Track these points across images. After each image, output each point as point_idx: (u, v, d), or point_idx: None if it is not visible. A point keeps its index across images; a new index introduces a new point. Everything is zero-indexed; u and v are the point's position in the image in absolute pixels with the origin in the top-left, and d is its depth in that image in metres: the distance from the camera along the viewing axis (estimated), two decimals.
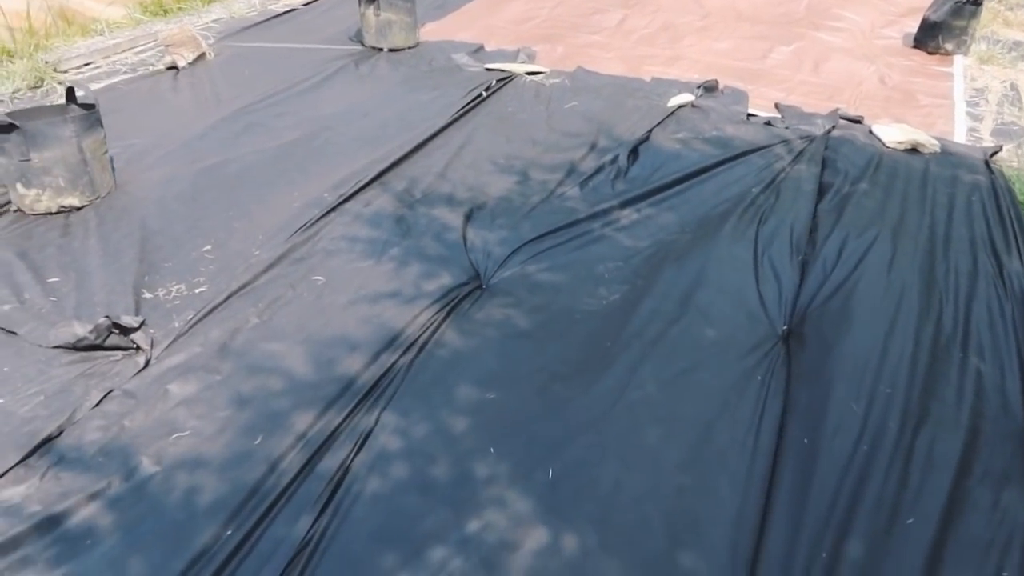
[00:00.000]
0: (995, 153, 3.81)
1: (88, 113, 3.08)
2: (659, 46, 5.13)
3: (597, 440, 2.00)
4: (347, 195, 3.14)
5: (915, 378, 2.24)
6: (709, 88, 4.39)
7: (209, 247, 2.85)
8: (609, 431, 2.03)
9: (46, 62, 4.47)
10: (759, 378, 2.28)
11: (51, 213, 3.06)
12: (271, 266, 2.72)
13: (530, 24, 5.50)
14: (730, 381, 2.25)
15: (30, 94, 4.18)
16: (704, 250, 2.83)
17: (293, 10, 5.65)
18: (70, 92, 3.13)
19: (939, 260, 2.82)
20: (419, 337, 2.39)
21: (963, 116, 4.35)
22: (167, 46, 4.57)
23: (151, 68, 4.58)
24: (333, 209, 3.05)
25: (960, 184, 3.44)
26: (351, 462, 1.94)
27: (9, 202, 3.09)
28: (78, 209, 3.08)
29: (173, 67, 4.57)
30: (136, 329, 2.36)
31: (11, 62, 4.42)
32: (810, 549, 1.75)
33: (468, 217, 3.04)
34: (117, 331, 2.35)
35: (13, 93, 4.15)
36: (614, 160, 3.52)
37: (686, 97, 4.27)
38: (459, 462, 1.93)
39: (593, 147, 3.69)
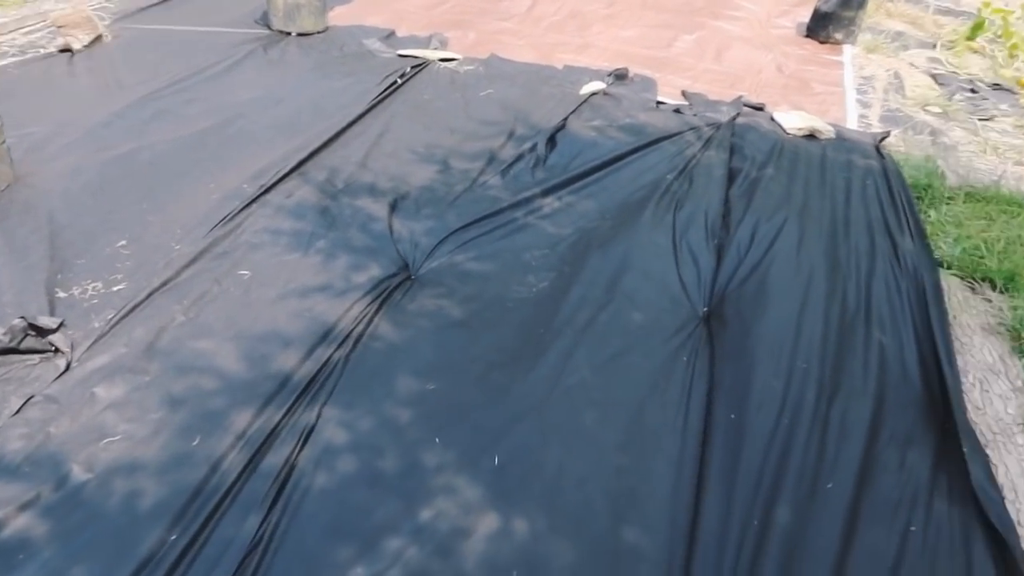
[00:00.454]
0: (884, 138, 4.08)
1: None
2: (568, 34, 5.22)
3: (538, 425, 2.06)
4: (267, 186, 3.07)
5: (826, 353, 2.41)
6: (620, 76, 4.50)
7: (124, 242, 2.74)
8: (549, 416, 2.10)
9: None
10: (684, 359, 2.39)
11: None
12: (193, 261, 2.64)
13: (440, 9, 5.47)
14: (658, 363, 2.35)
15: None
16: (626, 237, 2.93)
17: None
18: None
19: (841, 241, 3.01)
20: (353, 330, 2.38)
21: (853, 103, 4.63)
22: (59, 27, 4.32)
23: (42, 51, 4.32)
24: (254, 201, 2.98)
25: (855, 168, 3.67)
26: (296, 458, 1.93)
27: None
28: None
29: (66, 50, 4.33)
30: (54, 330, 2.26)
31: None
32: (742, 518, 1.86)
33: (393, 207, 3.03)
34: (33, 333, 2.24)
35: None
36: (533, 148, 3.57)
37: (598, 85, 4.37)
38: (406, 453, 1.96)
39: (511, 135, 3.73)
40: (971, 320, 2.76)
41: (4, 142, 3.00)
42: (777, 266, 2.77)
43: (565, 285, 2.65)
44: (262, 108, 3.75)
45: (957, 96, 4.96)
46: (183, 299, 2.47)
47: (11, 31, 4.57)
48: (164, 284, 2.53)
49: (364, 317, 2.44)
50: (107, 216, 2.87)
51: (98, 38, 4.43)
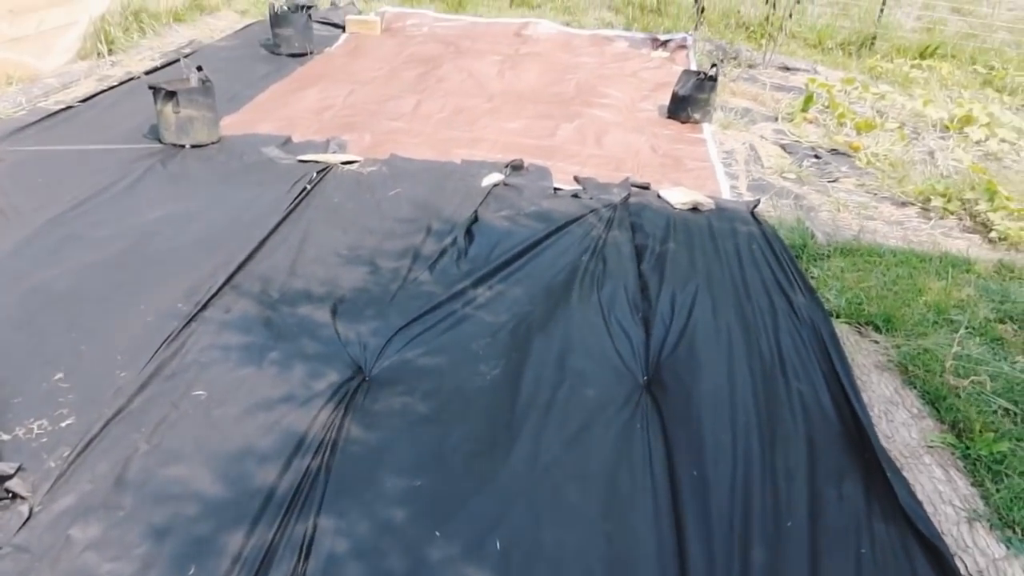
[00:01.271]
0: (756, 206, 4.57)
1: None
2: (458, 129, 5.51)
3: (529, 506, 2.19)
4: (203, 302, 3.08)
5: (759, 405, 2.69)
6: (516, 167, 4.81)
7: (60, 375, 2.67)
8: (536, 496, 2.23)
9: None
10: (638, 426, 2.60)
11: None
12: (143, 386, 2.61)
13: (329, 113, 5.64)
14: (616, 432, 2.55)
15: None
16: (561, 318, 3.15)
17: (70, 108, 5.31)
18: None
19: (745, 303, 3.36)
20: (325, 437, 2.44)
21: (723, 176, 5.15)
22: None
23: None
24: (193, 319, 2.98)
25: (739, 235, 4.10)
26: (304, 572, 1.95)
27: None
28: None
29: None
30: (11, 476, 2.18)
31: None
32: (725, 563, 2.06)
33: (334, 312, 3.12)
34: None
35: None
36: (454, 243, 3.76)
37: (497, 176, 4.65)
38: (410, 551, 2.03)
39: (429, 230, 3.91)
40: (865, 360, 3.15)
41: None
42: (700, 331, 3.06)
43: (517, 369, 2.81)
44: (176, 225, 3.74)
45: (805, 163, 5.61)
46: (141, 427, 2.44)
47: None
48: (117, 414, 2.48)
49: (333, 423, 2.50)
50: (36, 350, 2.78)
51: None
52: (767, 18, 7.89)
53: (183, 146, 4.76)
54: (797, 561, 2.10)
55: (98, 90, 5.70)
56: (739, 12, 9.07)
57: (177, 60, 6.41)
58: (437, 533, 2.08)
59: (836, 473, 2.48)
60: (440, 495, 2.22)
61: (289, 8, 7.06)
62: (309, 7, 7.23)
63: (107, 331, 2.92)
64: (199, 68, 4.93)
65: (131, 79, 6.00)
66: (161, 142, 4.81)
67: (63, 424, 2.44)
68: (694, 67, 7.62)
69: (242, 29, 7.88)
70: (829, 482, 2.44)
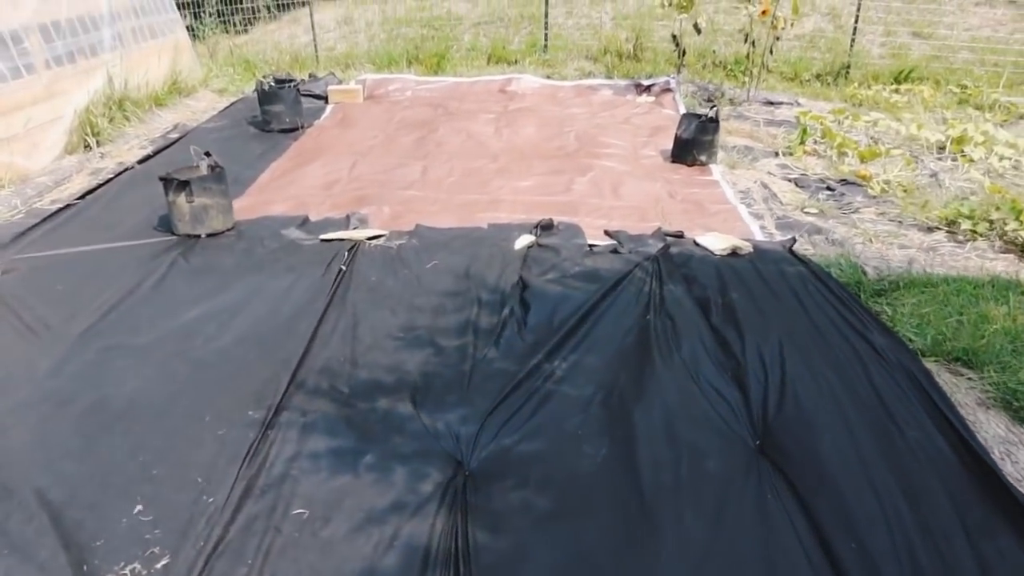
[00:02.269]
0: (793, 244, 4.52)
1: None
2: (472, 192, 5.40)
3: None
4: (275, 407, 2.87)
5: (888, 461, 2.56)
6: (546, 227, 4.70)
7: (140, 507, 2.43)
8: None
9: None
10: (769, 496, 2.45)
11: None
12: (237, 511, 2.39)
13: (338, 187, 5.50)
14: (751, 506, 2.39)
15: None
16: (651, 386, 3.00)
17: (69, 206, 5.08)
18: None
19: (828, 350, 3.26)
20: (450, 547, 2.24)
21: (748, 216, 5.10)
22: None
23: None
24: (269, 427, 2.77)
25: (790, 277, 4.01)
26: None
27: None
28: None
29: None
30: None
31: None
32: None
33: (415, 403, 2.93)
34: None
35: None
36: (512, 313, 3.62)
37: (528, 238, 4.53)
38: None
39: (479, 302, 3.76)
40: (965, 398, 3.06)
41: None
42: (800, 387, 2.94)
43: (626, 448, 2.65)
44: (217, 323, 3.53)
45: (820, 195, 5.61)
46: (247, 559, 2.22)
47: None
48: (216, 546, 2.26)
49: (454, 530, 2.30)
50: (105, 481, 2.54)
51: None
52: (747, 56, 7.99)
53: (199, 236, 4.56)
54: None
55: (93, 185, 5.49)
56: (715, 52, 9.21)
57: (168, 147, 6.28)
58: None
59: (986, 527, 2.35)
60: None
61: (277, 84, 6.95)
62: (296, 82, 7.13)
63: (176, 450, 2.69)
64: (207, 154, 4.76)
65: (125, 170, 5.80)
66: (174, 234, 4.60)
67: (158, 565, 2.20)
68: (682, 109, 7.69)
69: (226, 108, 7.73)
70: (984, 537, 2.30)
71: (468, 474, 2.57)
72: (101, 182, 5.52)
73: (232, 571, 2.17)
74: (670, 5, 7.66)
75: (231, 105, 7.88)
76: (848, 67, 8.92)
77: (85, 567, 2.20)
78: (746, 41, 7.94)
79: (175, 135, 6.84)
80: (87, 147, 6.29)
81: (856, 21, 8.84)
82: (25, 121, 5.59)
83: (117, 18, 7.09)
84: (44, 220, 4.83)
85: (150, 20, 7.74)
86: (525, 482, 2.51)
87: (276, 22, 12.13)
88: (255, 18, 12.14)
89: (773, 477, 2.54)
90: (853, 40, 8.92)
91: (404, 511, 2.37)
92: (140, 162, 6.00)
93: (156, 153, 6.24)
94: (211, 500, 2.43)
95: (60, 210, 5.00)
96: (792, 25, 7.61)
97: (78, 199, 5.21)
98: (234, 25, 11.75)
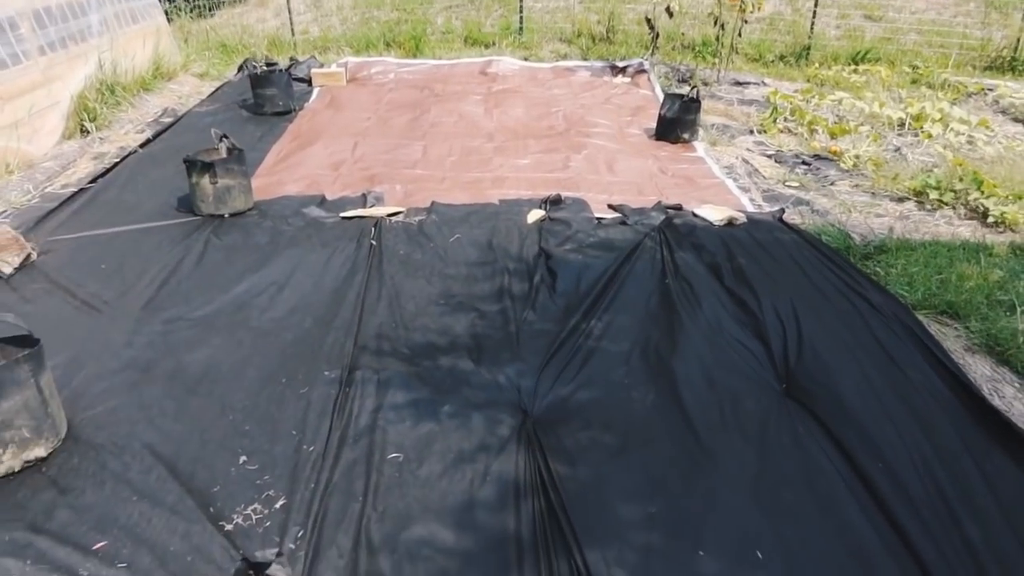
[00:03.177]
0: (782, 215, 4.91)
1: (38, 348, 2.70)
2: (475, 169, 5.66)
3: (762, 513, 2.37)
4: (347, 366, 3.13)
5: (901, 401, 2.95)
6: (554, 202, 4.99)
7: (245, 458, 2.67)
8: (763, 503, 2.42)
9: None
10: (800, 430, 2.81)
11: (13, 473, 2.60)
12: (337, 457, 2.65)
13: (345, 168, 5.69)
14: (789, 439, 2.75)
15: None
16: (682, 340, 3.34)
17: (83, 190, 5.18)
18: None
19: (835, 307, 3.64)
20: (536, 479, 2.54)
21: (737, 190, 5.48)
22: None
23: None
24: (347, 385, 3.02)
25: (786, 244, 4.40)
26: None
27: None
28: (43, 460, 2.66)
29: None
30: (271, 563, 2.19)
31: None
32: (945, 537, 2.28)
33: (475, 361, 3.21)
34: (252, 573, 2.17)
35: None
36: (542, 280, 3.91)
37: (539, 212, 4.82)
38: (687, 572, 2.16)
39: (508, 271, 4.04)
40: (954, 345, 3.48)
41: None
42: (816, 338, 3.31)
43: (673, 393, 2.98)
44: (267, 295, 3.74)
45: (798, 169, 6.03)
46: (357, 496, 2.48)
47: None
48: (327, 487, 2.52)
49: (536, 466, 2.60)
50: (205, 437, 2.76)
51: (27, 257, 4.14)
52: (717, 38, 8.38)
53: (222, 216, 4.72)
54: (1004, 535, 2.34)
55: (101, 169, 5.57)
56: (683, 35, 9.58)
57: (165, 130, 6.37)
58: (701, 553, 2.22)
59: (984, 449, 2.75)
60: (679, 517, 2.36)
61: (267, 68, 7.07)
62: (288, 66, 7.24)
63: (261, 408, 2.92)
64: (225, 136, 4.92)
65: (129, 154, 5.89)
66: (195, 214, 4.76)
67: (277, 505, 2.45)
68: (658, 89, 8.05)
69: (214, 92, 7.80)
70: (984, 458, 2.70)
71: (535, 420, 2.87)
72: (108, 166, 5.61)
73: (347, 506, 2.43)
74: None
75: (218, 89, 7.94)
76: (809, 49, 9.39)
77: (211, 508, 2.43)
78: (715, 24, 8.32)
79: (168, 119, 6.91)
80: (84, 132, 6.33)
81: (816, 5, 9.30)
82: (29, 107, 5.63)
83: (103, 3, 7.09)
84: (63, 204, 4.92)
85: (131, 5, 7.73)
86: (588, 424, 2.82)
87: (242, 5, 12.07)
88: (220, 2, 12.05)
89: (801, 414, 2.90)
90: (813, 23, 9.38)
91: (489, 451, 2.66)
92: (142, 146, 6.09)
93: (155, 137, 6.32)
94: (311, 449, 2.68)
95: (76, 194, 5.09)
96: (760, 8, 8.00)
97: (90, 183, 5.29)
98: (199, 9, 11.66)
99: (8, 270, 4.01)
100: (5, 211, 4.84)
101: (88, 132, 6.29)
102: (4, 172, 5.31)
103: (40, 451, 2.66)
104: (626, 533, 2.30)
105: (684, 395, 2.97)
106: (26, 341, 2.74)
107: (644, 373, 3.14)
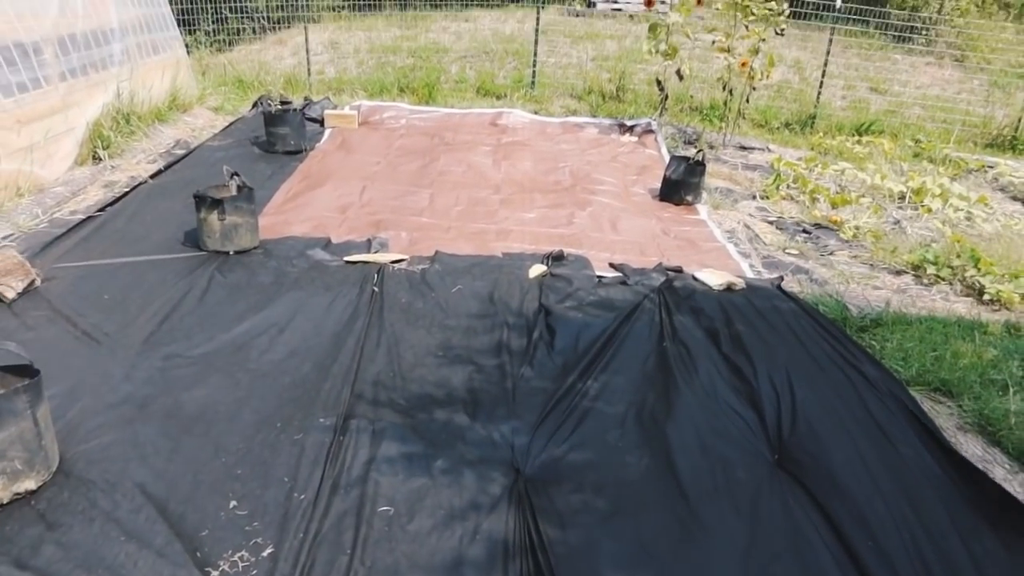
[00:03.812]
0: (780, 282, 4.96)
1: (37, 379, 2.72)
2: (480, 221, 5.73)
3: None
4: (342, 414, 3.14)
5: (893, 475, 2.96)
6: (556, 258, 5.05)
7: (235, 503, 2.67)
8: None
9: None
10: (791, 502, 2.82)
11: (2, 505, 2.60)
12: (328, 507, 2.65)
13: (352, 211, 5.76)
14: (780, 510, 2.76)
15: None
16: (677, 405, 3.36)
17: (91, 218, 5.24)
18: None
19: (831, 379, 3.67)
20: (525, 540, 2.54)
21: (737, 255, 5.55)
22: None
23: None
24: (342, 433, 3.03)
25: (784, 313, 4.44)
26: None
27: None
28: (33, 493, 2.66)
29: None
30: None
31: None
32: None
33: (471, 416, 3.22)
34: None
35: None
36: (540, 336, 3.94)
37: (541, 268, 4.88)
38: None
39: (507, 325, 4.07)
40: (947, 423, 3.50)
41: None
42: (809, 409, 3.34)
43: (666, 458, 2.99)
44: (267, 336, 3.77)
45: (798, 237, 6.11)
46: (345, 548, 2.48)
47: None
48: (316, 537, 2.51)
49: (526, 526, 2.60)
50: (197, 479, 2.77)
51: (31, 283, 4.17)
52: (725, 103, 8.55)
53: (227, 253, 4.77)
54: None
55: (110, 198, 5.64)
56: (692, 97, 9.78)
57: (176, 162, 6.47)
58: None
59: (973, 530, 2.75)
60: None
61: (282, 107, 7.20)
62: (301, 106, 7.38)
63: (255, 452, 2.93)
64: (235, 174, 4.99)
65: (139, 184, 5.97)
66: (203, 249, 4.81)
67: (264, 553, 2.45)
68: (664, 150, 8.19)
69: (227, 128, 7.93)
70: (972, 538, 2.70)
71: (527, 479, 2.88)
72: (118, 195, 5.68)
73: (334, 559, 2.43)
74: (656, 52, 8.15)
75: (231, 124, 8.07)
76: (814, 117, 9.57)
77: (199, 553, 2.43)
78: (724, 89, 8.49)
79: (180, 151, 7.01)
80: (96, 159, 6.43)
81: (823, 76, 9.51)
82: (45, 131, 5.72)
83: (126, 33, 7.25)
84: (71, 230, 4.98)
85: (154, 36, 7.91)
86: (581, 486, 2.83)
87: (260, 41, 12.33)
88: (239, 38, 12.30)
89: (792, 486, 2.91)
90: (819, 93, 9.58)
91: (480, 509, 2.67)
92: (152, 177, 6.17)
93: (166, 168, 6.42)
94: (302, 497, 2.69)
95: (84, 221, 5.15)
96: (768, 76, 8.18)
97: (99, 211, 5.36)
98: (218, 43, 11.91)
99: (11, 295, 4.04)
100: (13, 234, 4.89)
101: (100, 159, 6.39)
102: (15, 195, 5.37)
103: (31, 484, 2.66)
104: None
105: (677, 461, 2.98)
106: (26, 371, 2.76)
107: (638, 436, 3.16)
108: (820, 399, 3.44)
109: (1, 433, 2.56)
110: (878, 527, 2.66)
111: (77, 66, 6.44)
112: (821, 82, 9.66)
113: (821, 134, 9.26)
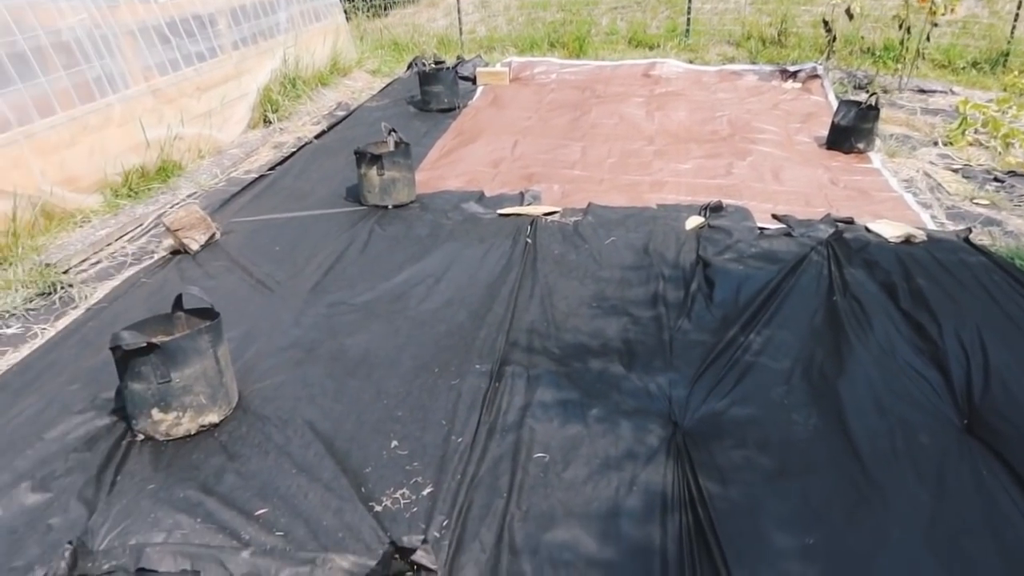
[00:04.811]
0: (968, 234, 4.49)
1: (218, 321, 2.90)
2: (634, 172, 5.57)
3: (939, 564, 2.16)
4: (498, 361, 3.15)
5: None
6: (715, 209, 4.82)
7: (396, 443, 2.75)
8: (938, 553, 2.20)
9: (46, 264, 4.11)
10: (984, 472, 2.55)
11: (189, 436, 2.81)
12: (484, 450, 2.67)
13: (504, 166, 5.76)
14: (970, 479, 2.50)
15: (44, 302, 3.82)
16: (850, 362, 3.12)
17: (263, 176, 5.55)
18: (178, 300, 2.97)
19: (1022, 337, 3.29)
20: (684, 493, 2.45)
21: (917, 205, 5.07)
22: (175, 231, 4.35)
23: (155, 256, 4.34)
24: (497, 379, 3.05)
25: (973, 267, 4.01)
26: None
27: (128, 432, 2.81)
28: (216, 426, 2.86)
29: (177, 252, 4.36)
30: (416, 549, 2.23)
31: (3, 269, 4.03)
32: None
33: (626, 367, 3.15)
34: (397, 556, 2.21)
35: (24, 304, 3.77)
36: (698, 288, 3.78)
37: (698, 219, 4.67)
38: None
39: (663, 277, 3.94)
40: None
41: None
42: (1005, 371, 3.00)
43: (837, 418, 2.79)
44: (424, 286, 3.85)
45: (989, 187, 5.50)
46: (502, 492, 2.49)
47: (116, 239, 4.58)
48: (473, 480, 2.54)
49: (685, 480, 2.51)
50: (360, 419, 2.87)
51: (212, 236, 4.48)
52: (901, 42, 7.81)
53: (386, 207, 4.91)
54: None
55: (279, 157, 5.95)
56: (863, 38, 9.01)
57: (338, 123, 6.70)
58: None
59: None
60: (841, 553, 2.20)
61: (435, 66, 7.29)
62: (454, 64, 7.45)
63: (414, 396, 3.00)
64: (393, 130, 5.10)
65: (305, 144, 6.25)
66: (361, 204, 4.97)
67: (424, 492, 2.50)
68: (831, 96, 7.61)
69: (384, 88, 8.15)
70: None
71: (685, 432, 2.77)
72: (286, 155, 5.99)
73: (491, 501, 2.45)
74: None
75: (388, 85, 8.30)
76: (1007, 55, 8.57)
77: (363, 489, 2.52)
78: (900, 27, 7.75)
79: (341, 112, 7.29)
80: (267, 122, 6.80)
81: (1020, 7, 8.47)
82: (221, 98, 6.10)
83: (290, 2, 7.57)
84: (245, 188, 5.31)
85: (315, 4, 8.22)
86: (743, 442, 2.69)
87: (414, 5, 12.56)
88: (394, 2, 12.58)
89: (986, 455, 2.63)
90: (1014, 27, 8.55)
91: (636, 460, 2.60)
92: (317, 137, 6.45)
93: (329, 129, 6.69)
94: (460, 440, 2.72)
95: (256, 180, 5.47)
96: (953, 11, 7.38)
97: (269, 170, 5.67)
98: (375, 8, 12.24)
99: (195, 247, 4.36)
100: (195, 192, 5.27)
101: (270, 122, 6.75)
102: (197, 157, 5.78)
103: (214, 417, 2.86)
104: (780, 562, 2.17)
105: (851, 422, 2.77)
106: (207, 314, 2.96)
107: (806, 394, 2.96)
108: (1018, 361, 3.08)
109: (187, 370, 2.76)
110: None
111: (248, 35, 6.81)
112: (1016, 14, 8.59)
113: (1016, 73, 8.26)
